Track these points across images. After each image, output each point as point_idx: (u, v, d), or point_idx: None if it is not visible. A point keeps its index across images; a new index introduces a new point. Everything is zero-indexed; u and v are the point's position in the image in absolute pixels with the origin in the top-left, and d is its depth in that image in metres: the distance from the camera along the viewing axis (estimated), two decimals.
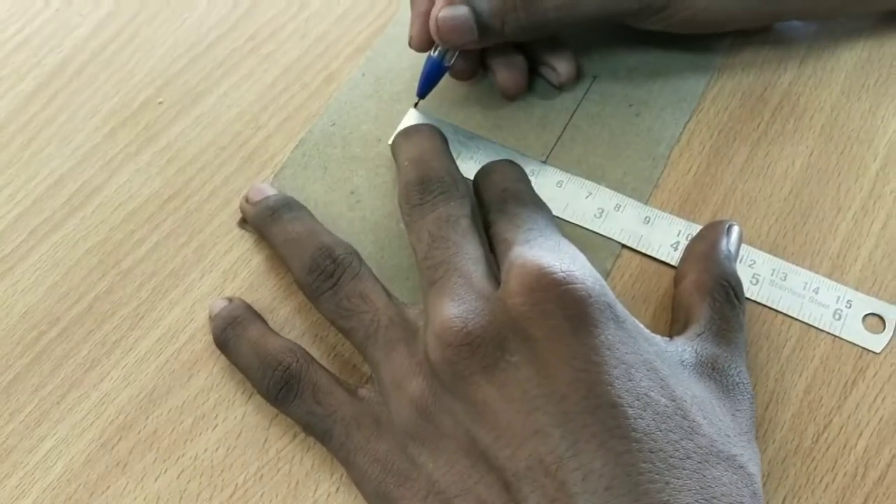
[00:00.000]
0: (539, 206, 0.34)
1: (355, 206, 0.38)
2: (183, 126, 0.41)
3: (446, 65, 0.39)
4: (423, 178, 0.34)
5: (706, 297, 0.33)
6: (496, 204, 0.34)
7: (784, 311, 0.35)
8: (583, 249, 0.33)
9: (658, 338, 0.31)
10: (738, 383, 0.30)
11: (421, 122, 0.41)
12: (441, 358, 0.28)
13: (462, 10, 0.35)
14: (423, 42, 0.38)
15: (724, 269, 0.34)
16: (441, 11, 0.35)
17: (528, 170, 0.38)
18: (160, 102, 0.42)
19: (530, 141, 0.40)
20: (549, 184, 0.38)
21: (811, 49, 0.42)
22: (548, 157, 0.40)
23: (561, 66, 0.41)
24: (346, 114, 0.41)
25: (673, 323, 0.34)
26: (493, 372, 0.28)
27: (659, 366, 0.28)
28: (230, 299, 0.36)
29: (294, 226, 0.35)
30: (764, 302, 0.35)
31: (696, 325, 0.31)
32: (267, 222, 0.36)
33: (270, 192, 0.38)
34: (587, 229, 0.37)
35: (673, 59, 0.42)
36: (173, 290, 0.37)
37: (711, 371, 0.30)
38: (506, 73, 0.40)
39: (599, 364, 0.27)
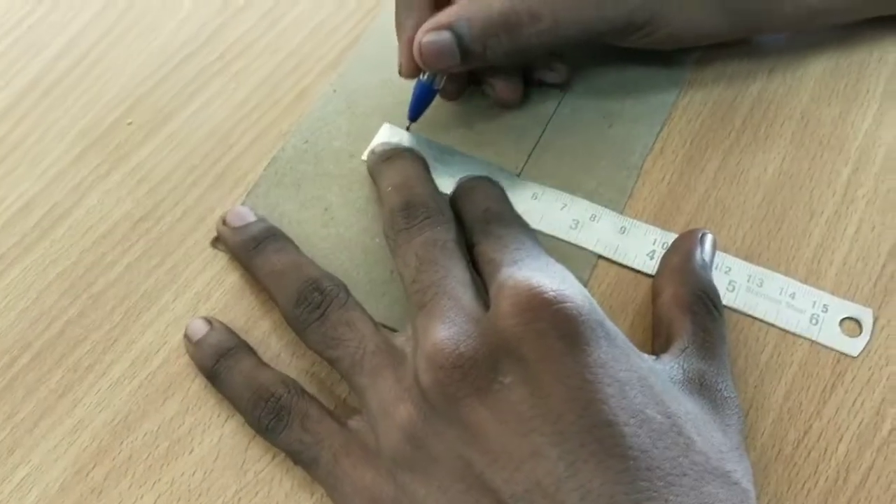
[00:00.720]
0: (522, 225, 0.35)
1: (329, 224, 0.38)
2: (153, 146, 0.41)
3: (436, 88, 0.39)
4: (408, 203, 0.34)
5: (686, 312, 0.32)
6: (479, 224, 0.34)
7: (761, 318, 0.35)
8: (559, 261, 0.33)
9: (646, 354, 0.31)
10: (726, 398, 0.30)
11: (394, 135, 0.41)
12: (433, 381, 0.28)
13: (444, 36, 0.35)
14: (412, 70, 0.38)
15: (701, 280, 0.34)
16: (424, 37, 0.35)
17: (502, 183, 0.38)
18: (130, 123, 0.41)
19: (504, 154, 0.40)
20: (523, 196, 0.38)
21: (780, 58, 0.42)
22: (522, 169, 0.39)
23: (558, 64, 0.41)
24: (319, 130, 0.41)
25: (655, 338, 0.34)
26: (487, 394, 0.27)
27: (652, 382, 0.28)
28: (209, 322, 0.35)
29: (279, 257, 0.35)
30: (741, 308, 0.35)
31: (680, 340, 0.31)
32: (250, 254, 0.36)
33: (250, 217, 0.37)
34: (563, 241, 0.37)
35: (644, 72, 0.42)
36: (146, 312, 0.36)
37: (700, 387, 0.30)
38: (503, 83, 0.40)
39: (593, 382, 0.27)
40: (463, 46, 0.35)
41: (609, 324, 0.29)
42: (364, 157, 0.40)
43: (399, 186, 0.35)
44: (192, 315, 0.36)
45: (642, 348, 0.31)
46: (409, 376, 0.30)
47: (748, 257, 0.37)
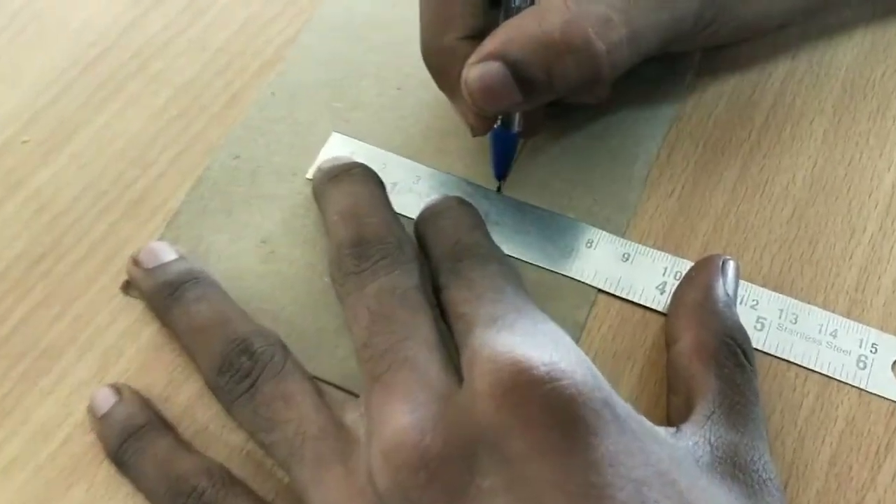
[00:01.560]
0: (502, 263, 0.28)
1: (269, 258, 0.31)
2: (54, 168, 0.33)
3: (516, 131, 0.31)
4: (359, 238, 0.28)
5: (710, 364, 0.26)
6: (447, 262, 0.28)
7: (797, 362, 0.29)
8: (550, 298, 0.27)
9: (662, 431, 0.25)
10: (765, 480, 0.24)
11: (346, 146, 0.34)
12: (391, 484, 0.23)
13: (493, 67, 0.28)
14: (482, 124, 0.31)
15: (726, 321, 0.27)
16: (469, 73, 0.28)
17: (476, 203, 0.31)
18: (25, 141, 0.34)
19: (480, 166, 0.33)
20: (504, 213, 0.32)
21: (804, 41, 0.36)
22: (501, 185, 0.33)
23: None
24: (254, 143, 0.34)
25: (671, 394, 0.28)
26: (461, 501, 0.22)
27: (675, 476, 0.22)
28: (118, 390, 0.28)
29: (200, 308, 0.29)
30: (773, 351, 0.29)
31: (704, 402, 0.26)
32: (166, 303, 0.29)
33: (168, 255, 0.30)
34: (553, 272, 0.31)
35: (644, 63, 0.34)
36: (45, 375, 0.29)
37: (733, 469, 0.24)
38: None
39: (602, 486, 0.21)
40: (521, 76, 0.28)
41: (618, 401, 0.23)
42: (309, 174, 0.33)
43: (348, 215, 0.29)
44: (100, 379, 0.29)
45: (655, 406, 0.28)
46: (362, 472, 0.24)
47: (778, 287, 0.30)
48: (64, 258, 0.32)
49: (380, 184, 0.30)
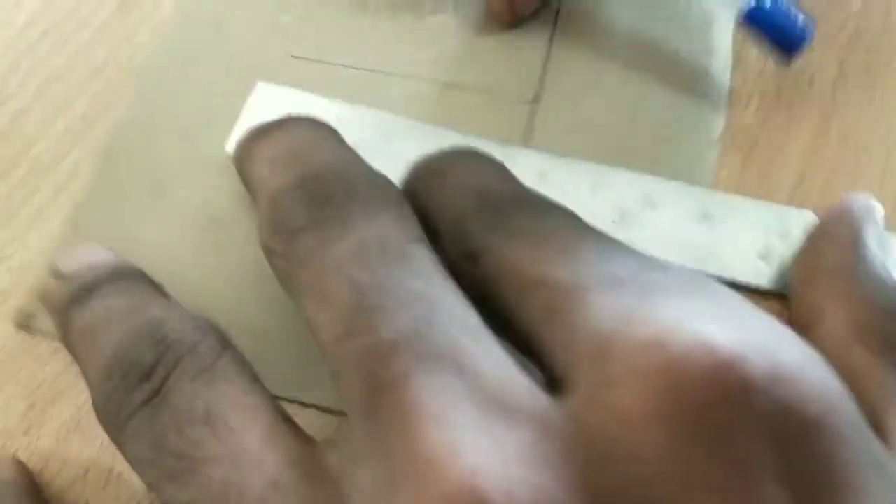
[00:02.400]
0: (562, 209, 0.17)
1: (222, 244, 0.22)
2: None
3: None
4: (305, 176, 0.17)
5: (884, 352, 0.17)
6: (482, 216, 0.17)
7: None
8: None
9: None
10: None
11: (278, 102, 0.24)
12: None
13: None
14: None
15: (890, 291, 0.18)
16: None
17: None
18: None
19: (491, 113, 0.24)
20: (524, 178, 0.21)
21: None
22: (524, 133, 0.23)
23: None
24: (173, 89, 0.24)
25: None
26: None
27: None
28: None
29: (111, 302, 0.17)
30: None
31: (890, 410, 0.16)
32: (67, 315, 0.18)
33: (99, 256, 0.19)
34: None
35: None
36: None
37: None
38: None
39: None
40: None
41: (859, 416, 0.13)
42: (230, 148, 0.23)
43: (282, 160, 0.18)
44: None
45: None
46: None
47: None
48: None
49: (331, 129, 0.20)
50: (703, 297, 0.14)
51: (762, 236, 0.21)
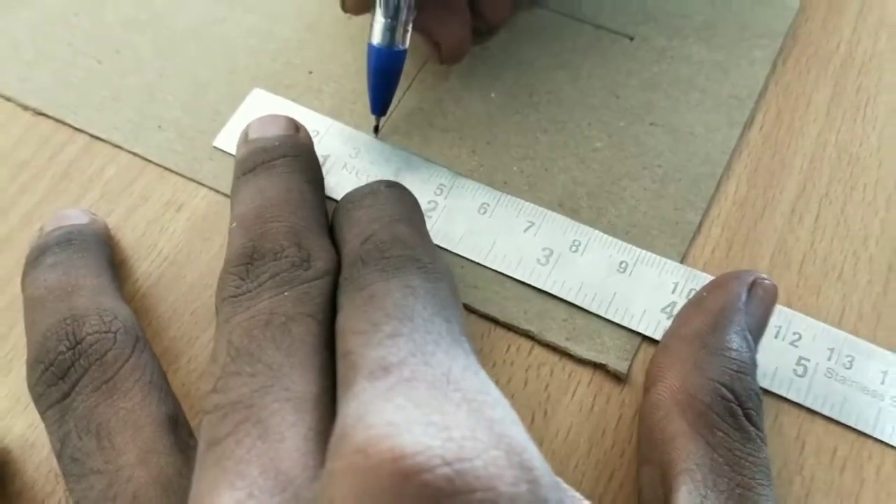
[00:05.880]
0: (425, 272, 0.19)
1: None
2: None
3: (400, 49, 0.24)
4: (252, 250, 0.20)
5: (697, 424, 0.19)
6: (348, 269, 0.20)
7: (850, 423, 0.21)
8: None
9: None
10: None
11: (268, 106, 0.26)
12: None
13: None
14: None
15: (730, 365, 0.19)
16: None
17: (435, 186, 0.24)
18: None
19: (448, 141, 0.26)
20: (465, 210, 0.24)
21: None
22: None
23: (487, 7, 0.26)
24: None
25: (642, 465, 0.20)
26: None
27: None
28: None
29: (49, 276, 0.22)
30: (816, 407, 0.21)
31: (690, 483, 0.18)
32: (25, 272, 0.23)
33: (73, 217, 0.24)
34: (526, 285, 0.23)
35: None
36: None
37: None
38: (446, 22, 0.25)
39: None
40: None
41: None
42: (220, 142, 0.26)
43: (249, 221, 0.21)
44: (23, 406, 0.22)
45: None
46: None
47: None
48: None
49: (309, 174, 0.23)
50: (434, 399, 0.15)
51: (669, 294, 0.23)
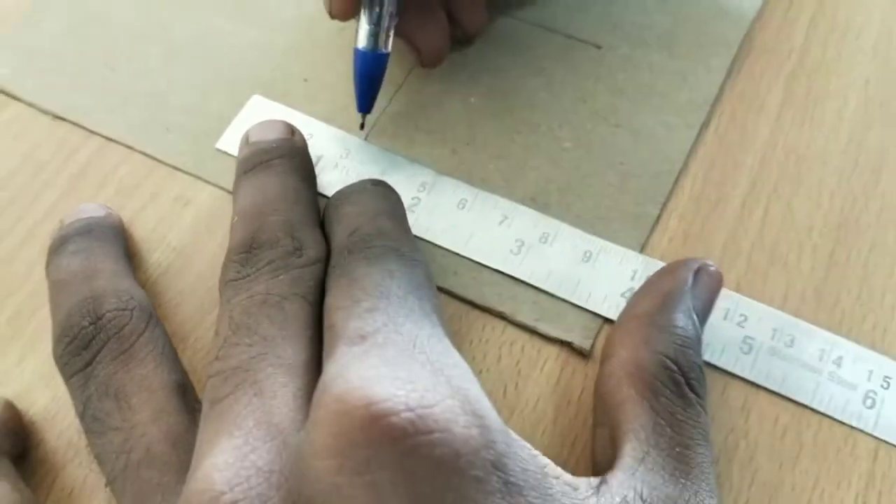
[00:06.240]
0: (402, 259, 0.22)
1: None
2: None
3: (383, 52, 0.26)
4: (250, 241, 0.23)
5: (644, 391, 0.21)
6: (336, 257, 0.23)
7: (790, 396, 0.23)
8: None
9: (583, 487, 0.19)
10: None
11: (266, 112, 0.29)
12: None
13: None
14: (346, 6, 0.26)
15: (675, 340, 0.21)
16: None
17: (418, 183, 0.27)
18: None
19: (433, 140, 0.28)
20: (445, 205, 0.27)
21: None
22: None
23: (463, 13, 0.29)
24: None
25: (596, 426, 0.22)
26: None
27: None
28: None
29: (72, 261, 0.24)
30: (761, 381, 0.23)
31: (634, 441, 0.20)
32: (49, 258, 0.25)
33: (91, 211, 0.27)
34: (500, 273, 0.25)
35: None
36: None
37: None
38: (427, 29, 0.28)
39: None
40: None
41: (515, 461, 0.18)
42: (223, 144, 0.28)
43: (249, 215, 0.24)
44: (46, 382, 0.24)
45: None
46: None
47: (842, 226, 0.26)
48: None
49: (303, 173, 0.26)
50: (403, 360, 0.18)
51: (628, 281, 0.25)
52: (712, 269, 0.23)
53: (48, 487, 0.23)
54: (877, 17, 0.29)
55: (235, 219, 0.24)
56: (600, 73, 0.29)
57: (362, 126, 0.28)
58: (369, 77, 0.27)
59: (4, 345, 0.25)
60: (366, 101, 0.27)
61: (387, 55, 0.27)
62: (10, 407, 0.24)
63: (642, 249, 0.26)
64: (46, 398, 0.24)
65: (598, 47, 0.30)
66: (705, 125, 0.28)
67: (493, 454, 0.17)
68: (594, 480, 0.19)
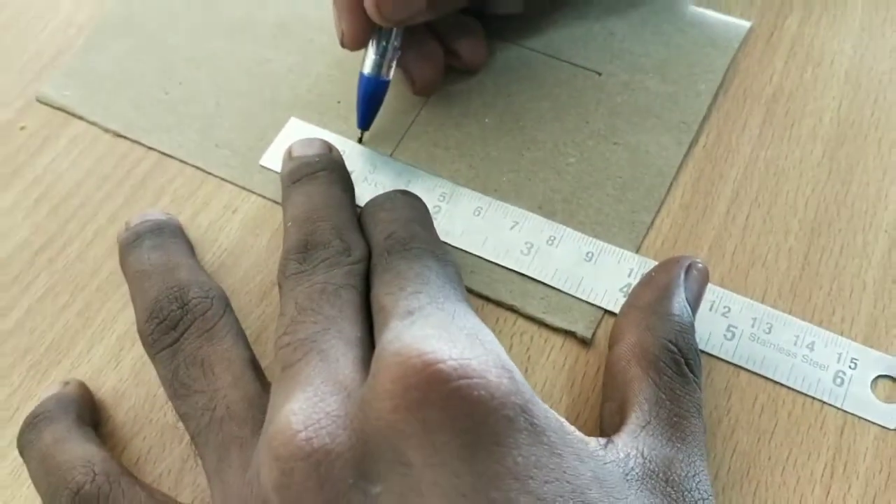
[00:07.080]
0: (436, 258, 0.26)
1: None
2: (53, 154, 0.34)
3: (385, 79, 0.31)
4: (306, 242, 0.27)
5: (648, 370, 0.24)
6: (378, 256, 0.27)
7: (768, 375, 0.26)
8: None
9: (593, 443, 0.22)
10: (698, 500, 0.22)
11: (302, 133, 0.33)
12: (270, 479, 0.21)
13: None
14: (358, 36, 0.30)
15: (674, 326, 0.25)
16: None
17: (438, 194, 0.30)
18: (22, 128, 0.35)
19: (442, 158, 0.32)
20: (463, 213, 0.30)
21: None
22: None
23: (465, 50, 0.33)
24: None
25: (605, 401, 0.26)
26: None
27: (594, 494, 0.20)
28: (66, 383, 0.28)
29: (152, 255, 0.28)
30: (742, 363, 0.27)
31: (639, 411, 0.23)
32: (126, 251, 0.29)
33: (155, 215, 0.30)
34: (513, 271, 0.29)
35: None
36: (55, 368, 0.29)
37: (665, 485, 0.22)
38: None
39: (502, 502, 0.19)
40: None
41: (538, 409, 0.21)
42: (266, 161, 0.32)
43: (300, 220, 0.28)
44: (113, 367, 0.28)
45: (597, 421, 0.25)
46: (254, 464, 0.22)
47: (816, 229, 0.29)
48: (68, 246, 0.31)
49: (344, 184, 0.29)
50: (443, 324, 0.22)
51: (626, 278, 0.28)
52: (700, 265, 0.26)
53: (117, 457, 0.27)
54: (848, 46, 0.32)
55: (289, 224, 0.28)
56: (601, 96, 0.33)
57: (360, 140, 0.32)
58: (371, 99, 0.31)
59: (75, 334, 0.29)
60: (365, 120, 0.32)
61: (388, 82, 0.31)
62: (84, 386, 0.28)
63: (638, 250, 0.29)
64: (114, 380, 0.28)
65: (599, 74, 0.33)
66: (694, 142, 0.31)
67: (521, 399, 0.20)
68: (602, 440, 0.23)
